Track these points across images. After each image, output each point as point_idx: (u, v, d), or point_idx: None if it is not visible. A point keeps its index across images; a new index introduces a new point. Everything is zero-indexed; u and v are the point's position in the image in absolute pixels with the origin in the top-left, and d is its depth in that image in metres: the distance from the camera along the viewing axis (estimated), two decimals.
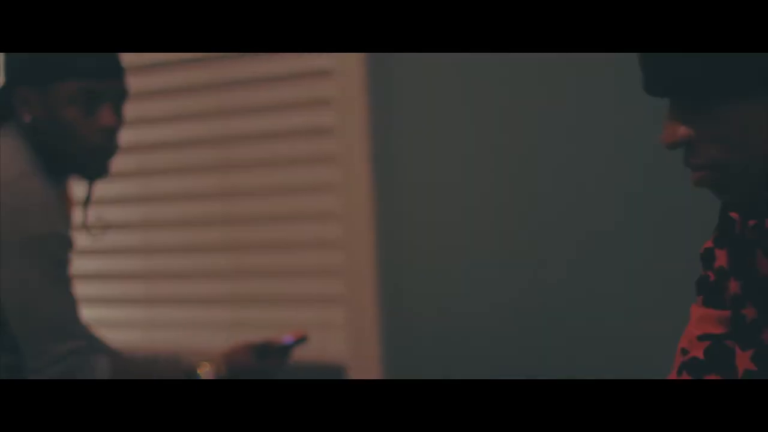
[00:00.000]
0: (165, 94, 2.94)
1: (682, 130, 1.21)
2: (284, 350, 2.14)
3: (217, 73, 2.85)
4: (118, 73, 1.96)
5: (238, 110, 2.84)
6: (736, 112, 1.17)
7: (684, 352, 1.40)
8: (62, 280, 1.88)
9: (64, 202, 2.01)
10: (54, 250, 1.86)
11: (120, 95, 1.97)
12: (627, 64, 2.27)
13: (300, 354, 2.60)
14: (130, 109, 2.97)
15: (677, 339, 1.46)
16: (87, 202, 2.08)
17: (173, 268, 2.96)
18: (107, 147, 1.95)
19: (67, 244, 1.89)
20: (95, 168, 1.97)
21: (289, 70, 2.75)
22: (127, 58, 2.95)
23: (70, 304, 1.90)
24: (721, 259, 1.37)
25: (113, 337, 2.99)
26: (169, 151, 2.95)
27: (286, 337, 2.16)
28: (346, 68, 2.63)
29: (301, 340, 2.17)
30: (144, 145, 2.99)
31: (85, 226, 2.11)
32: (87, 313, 3.01)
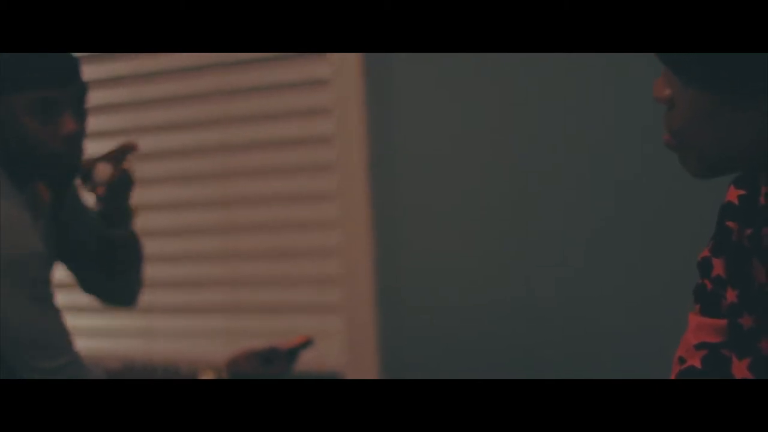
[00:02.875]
0: (163, 102, 2.94)
1: (667, 92, 1.27)
2: (289, 355, 2.13)
3: (215, 81, 2.85)
4: (73, 76, 1.89)
5: (237, 119, 2.84)
6: (712, 101, 1.22)
7: (681, 360, 1.41)
8: (41, 298, 1.85)
9: (35, 210, 1.97)
10: (27, 270, 1.83)
11: (79, 98, 1.91)
12: (627, 65, 2.27)
13: (298, 362, 2.60)
14: (128, 118, 2.97)
15: (673, 339, 1.46)
16: (56, 208, 2.04)
17: (171, 276, 2.96)
18: (71, 155, 1.90)
19: (39, 261, 1.85)
20: (61, 177, 1.93)
21: (287, 78, 2.76)
22: (126, 68, 2.96)
23: (53, 321, 1.87)
24: (719, 268, 1.37)
25: (111, 346, 3.00)
26: (167, 159, 2.95)
27: (291, 343, 2.14)
28: (344, 77, 2.63)
29: (306, 343, 2.14)
30: (142, 154, 2.99)
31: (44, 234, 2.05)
32: (85, 323, 3.02)
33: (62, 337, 1.87)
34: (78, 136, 1.90)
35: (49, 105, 1.86)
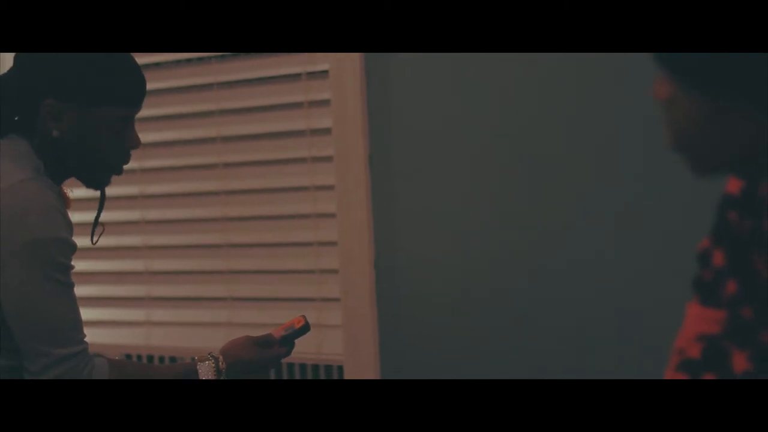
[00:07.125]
0: (161, 95, 2.94)
1: (666, 92, 1.25)
2: (286, 340, 2.11)
3: (213, 74, 2.85)
4: (144, 97, 2.02)
5: (235, 112, 2.84)
6: (713, 104, 1.21)
7: (680, 351, 1.41)
8: (63, 284, 1.89)
9: (64, 203, 2.01)
10: (55, 254, 1.87)
11: (136, 113, 2.04)
12: (628, 65, 2.27)
13: (297, 355, 2.59)
14: None
15: (671, 338, 1.46)
16: (100, 209, 2.10)
17: (170, 268, 2.96)
18: (124, 164, 2.02)
19: (68, 249, 1.90)
20: (104, 180, 2.03)
21: (286, 71, 2.76)
22: None
23: (70, 308, 1.91)
24: (718, 258, 1.37)
25: (111, 337, 3.00)
26: (166, 152, 2.95)
27: (287, 327, 2.12)
28: (344, 70, 2.63)
29: (303, 328, 2.12)
30: (142, 147, 2.98)
31: (92, 233, 2.10)
32: (85, 313, 3.01)
33: (75, 326, 1.91)
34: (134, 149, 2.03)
35: (126, 121, 1.98)
